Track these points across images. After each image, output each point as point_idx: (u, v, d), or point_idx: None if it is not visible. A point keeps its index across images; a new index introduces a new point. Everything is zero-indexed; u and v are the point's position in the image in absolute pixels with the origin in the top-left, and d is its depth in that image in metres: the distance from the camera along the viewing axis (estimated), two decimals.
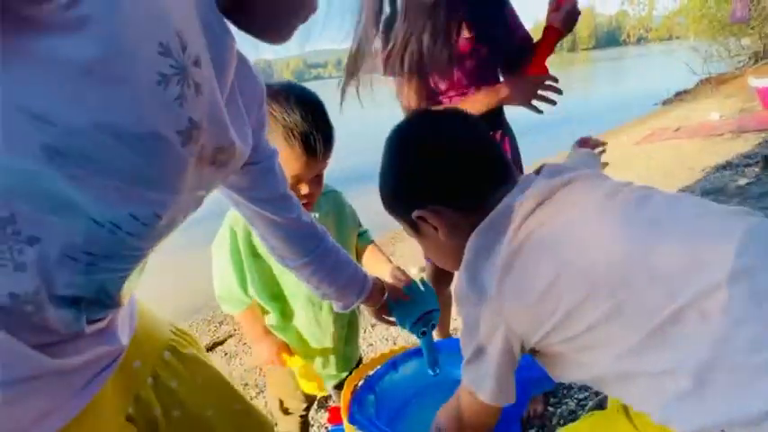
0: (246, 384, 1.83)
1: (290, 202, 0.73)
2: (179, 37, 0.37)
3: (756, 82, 4.55)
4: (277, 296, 1.05)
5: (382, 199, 0.73)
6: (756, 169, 2.82)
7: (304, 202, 0.90)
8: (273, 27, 0.52)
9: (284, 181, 0.72)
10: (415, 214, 0.64)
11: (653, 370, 0.46)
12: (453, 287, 0.64)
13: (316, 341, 1.09)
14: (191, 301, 2.98)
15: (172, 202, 0.44)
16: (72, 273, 0.39)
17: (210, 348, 2.23)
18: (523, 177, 0.64)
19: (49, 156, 0.34)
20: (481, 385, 0.59)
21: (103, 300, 0.45)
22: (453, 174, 0.64)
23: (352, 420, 0.88)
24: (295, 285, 1.01)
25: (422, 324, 0.93)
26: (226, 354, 2.15)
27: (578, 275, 0.50)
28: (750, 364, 0.41)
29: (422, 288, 0.97)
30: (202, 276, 3.68)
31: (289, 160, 0.83)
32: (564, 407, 1.26)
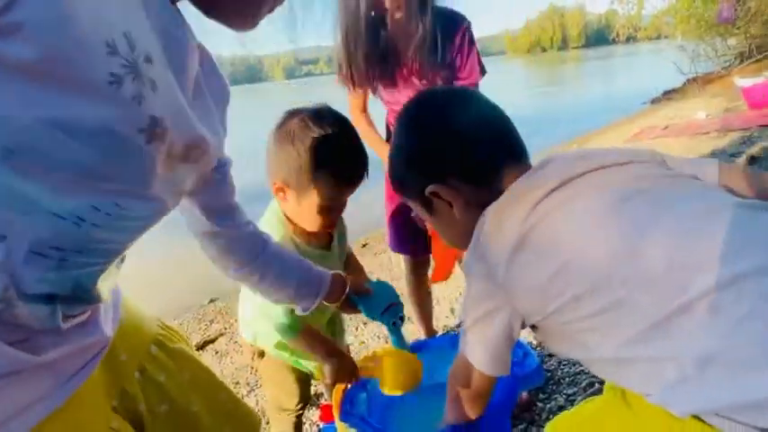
0: (238, 383, 1.82)
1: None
2: (126, 37, 0.38)
3: (742, 82, 4.63)
4: None
5: (393, 178, 0.75)
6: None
7: (331, 224, 0.97)
8: (241, 14, 0.53)
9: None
10: (429, 189, 0.65)
11: (656, 356, 0.47)
12: (463, 260, 0.65)
13: None
14: (180, 299, 2.97)
15: (141, 196, 0.45)
16: (43, 269, 0.40)
17: (201, 347, 2.22)
18: (544, 158, 0.64)
19: (3, 154, 0.35)
20: (476, 353, 0.60)
21: (80, 295, 0.45)
22: (469, 148, 0.65)
23: (344, 418, 0.88)
24: None
25: (389, 315, 0.97)
26: (217, 352, 2.14)
27: (590, 263, 0.51)
28: (754, 355, 0.42)
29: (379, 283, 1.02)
30: (192, 274, 3.65)
31: (333, 189, 0.89)
32: (553, 402, 1.28)
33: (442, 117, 0.67)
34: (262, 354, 1.11)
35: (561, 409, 1.25)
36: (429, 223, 0.78)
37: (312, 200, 0.89)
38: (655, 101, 7.53)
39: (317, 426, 1.43)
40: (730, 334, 0.43)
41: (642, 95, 7.93)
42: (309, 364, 1.12)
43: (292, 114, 0.91)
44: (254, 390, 1.75)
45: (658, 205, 0.52)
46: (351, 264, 1.18)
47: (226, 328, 2.40)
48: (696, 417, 0.46)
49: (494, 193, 0.62)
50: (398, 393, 0.91)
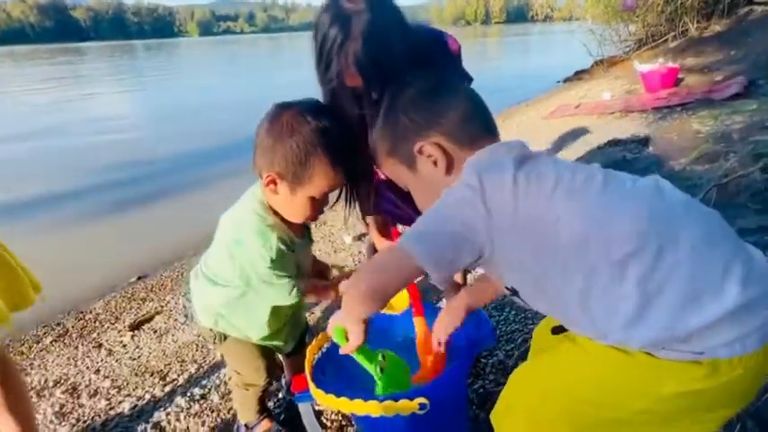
0: (183, 361, 1.77)
1: None
2: None
3: (640, 67, 5.17)
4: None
5: (378, 140, 0.81)
6: (640, 146, 3.28)
7: (316, 216, 1.01)
8: None
9: None
10: (417, 145, 0.73)
11: (611, 298, 0.60)
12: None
13: None
14: (104, 278, 2.74)
15: None
16: None
17: (137, 326, 2.10)
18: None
19: None
20: (422, 241, 0.66)
21: None
22: (455, 108, 0.74)
23: (319, 385, 0.92)
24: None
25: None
26: (155, 331, 2.04)
27: (577, 226, 0.60)
28: (688, 293, 0.57)
29: None
30: (114, 251, 3.39)
31: (331, 179, 0.93)
32: (495, 358, 1.43)
33: (427, 85, 0.78)
34: (223, 337, 1.10)
35: (501, 363, 1.41)
36: (412, 188, 0.81)
37: (307, 191, 0.92)
38: (567, 80, 8.13)
39: (276, 397, 1.46)
40: (669, 276, 0.57)
41: (557, 74, 8.53)
42: (274, 341, 1.14)
43: (283, 107, 0.92)
44: (202, 366, 1.72)
45: (611, 187, 0.65)
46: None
47: (162, 306, 2.29)
48: (644, 350, 0.60)
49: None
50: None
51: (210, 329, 1.10)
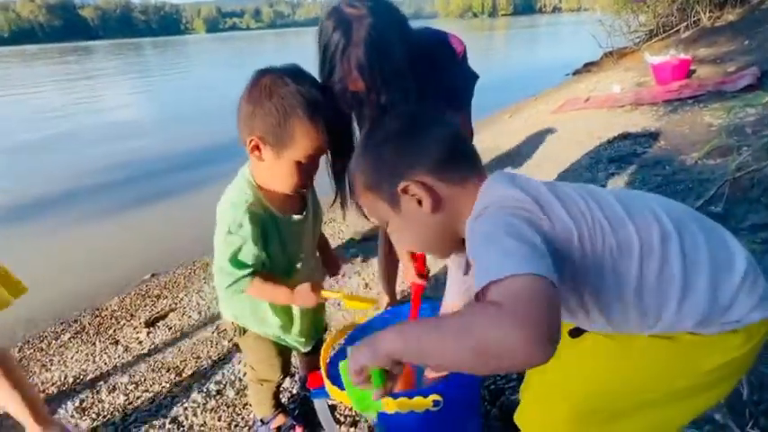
0: (199, 357, 1.81)
1: None
2: None
3: (651, 59, 5.10)
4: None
5: (359, 180, 0.75)
6: (650, 140, 3.24)
7: (308, 183, 0.99)
8: None
9: None
10: (401, 186, 0.68)
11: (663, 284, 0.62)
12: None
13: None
14: (118, 275, 2.79)
15: None
16: None
17: (152, 323, 2.14)
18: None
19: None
20: (526, 263, 0.50)
21: None
22: (439, 145, 0.70)
23: (334, 382, 0.94)
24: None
25: None
26: (170, 328, 2.08)
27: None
28: (715, 264, 0.62)
29: None
30: (127, 249, 3.44)
31: (312, 139, 0.89)
32: None
33: (409, 123, 0.73)
34: (243, 331, 1.13)
35: None
36: (391, 225, 0.76)
37: (291, 153, 0.90)
38: (576, 72, 8.04)
39: (290, 392, 1.49)
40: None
41: (565, 67, 8.43)
42: (291, 340, 1.15)
43: (263, 73, 0.91)
44: (217, 363, 1.75)
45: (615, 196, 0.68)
46: (321, 241, 1.23)
47: (176, 303, 2.33)
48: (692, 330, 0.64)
49: (463, 189, 0.68)
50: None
51: (232, 322, 1.13)
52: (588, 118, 4.36)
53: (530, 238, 0.55)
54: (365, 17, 0.93)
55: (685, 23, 7.16)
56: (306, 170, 0.94)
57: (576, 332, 0.81)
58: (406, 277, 1.22)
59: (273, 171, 0.93)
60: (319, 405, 1.07)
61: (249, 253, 0.95)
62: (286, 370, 1.22)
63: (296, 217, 1.04)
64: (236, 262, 0.95)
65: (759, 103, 3.01)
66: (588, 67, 8.07)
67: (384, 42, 0.94)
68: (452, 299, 0.89)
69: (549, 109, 5.23)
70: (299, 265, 1.10)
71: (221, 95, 10.54)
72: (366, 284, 2.19)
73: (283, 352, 1.18)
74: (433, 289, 2.07)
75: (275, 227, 0.99)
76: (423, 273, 1.18)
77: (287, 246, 1.04)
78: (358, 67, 0.93)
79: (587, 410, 0.73)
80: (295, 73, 0.90)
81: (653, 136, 3.31)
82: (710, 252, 0.63)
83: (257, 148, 0.91)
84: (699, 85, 4.30)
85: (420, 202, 0.68)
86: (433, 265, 2.23)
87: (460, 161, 0.71)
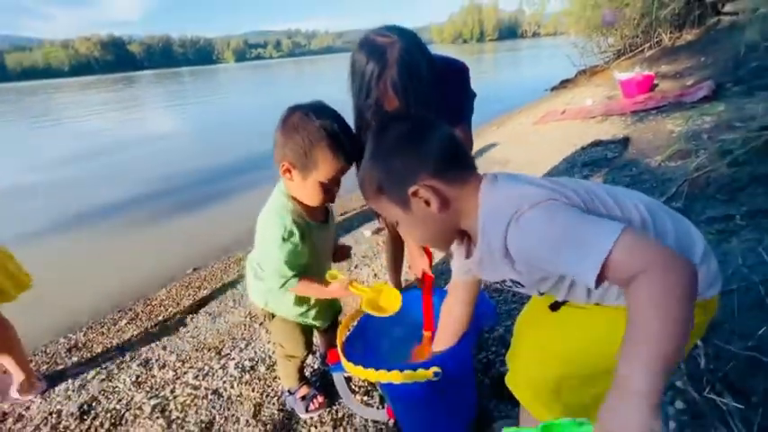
0: (234, 338, 1.83)
1: None
2: None
3: (619, 75, 5.05)
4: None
5: (370, 186, 0.73)
6: (619, 146, 3.21)
7: (332, 198, 1.01)
8: None
9: None
10: (411, 189, 0.66)
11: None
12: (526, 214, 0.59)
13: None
14: (165, 269, 2.83)
15: None
16: None
17: (195, 310, 2.17)
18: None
19: None
20: (610, 228, 0.51)
21: None
22: (441, 150, 0.68)
23: (349, 358, 0.96)
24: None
25: None
26: (210, 314, 2.11)
27: None
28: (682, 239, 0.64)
29: None
30: (169, 247, 3.48)
31: (332, 166, 0.93)
32: (496, 332, 1.45)
33: (414, 129, 0.70)
34: (272, 315, 1.15)
35: (502, 337, 1.42)
36: (401, 224, 0.74)
37: (315, 176, 0.94)
38: (554, 88, 7.98)
39: (312, 367, 1.51)
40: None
41: (545, 83, 8.38)
42: (310, 320, 1.17)
43: (294, 110, 0.94)
44: (250, 343, 1.77)
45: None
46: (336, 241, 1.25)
47: (214, 293, 2.35)
48: None
49: (467, 190, 0.67)
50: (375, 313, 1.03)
51: (263, 308, 1.16)
52: (565, 128, 4.33)
53: (584, 213, 0.57)
54: (396, 42, 0.94)
55: (649, 44, 7.08)
56: (328, 189, 0.98)
57: (555, 306, 0.82)
58: (415, 269, 1.23)
59: (301, 189, 0.98)
60: (337, 378, 1.08)
61: (299, 256, 1.00)
62: (309, 347, 1.24)
63: (322, 224, 1.09)
64: (292, 265, 1.00)
65: (714, 112, 2.98)
66: (564, 83, 8.01)
67: (414, 63, 0.94)
68: (457, 277, 0.89)
69: (530, 121, 5.20)
70: (322, 266, 1.13)
71: (250, 116, 10.63)
72: (375, 274, 2.20)
73: (305, 331, 1.20)
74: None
75: (309, 232, 1.03)
76: (431, 265, 1.20)
77: (315, 248, 1.08)
78: (393, 86, 0.93)
79: (563, 374, 0.74)
80: (319, 109, 0.93)
81: (621, 142, 3.28)
82: (676, 236, 0.64)
83: (288, 171, 0.95)
84: (661, 97, 4.26)
85: (428, 203, 0.67)
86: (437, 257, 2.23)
87: (459, 163, 0.70)
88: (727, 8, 6.27)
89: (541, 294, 0.73)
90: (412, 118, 0.77)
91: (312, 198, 0.99)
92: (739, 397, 0.92)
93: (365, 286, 1.05)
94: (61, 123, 12.49)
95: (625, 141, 3.28)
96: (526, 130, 4.77)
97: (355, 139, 0.96)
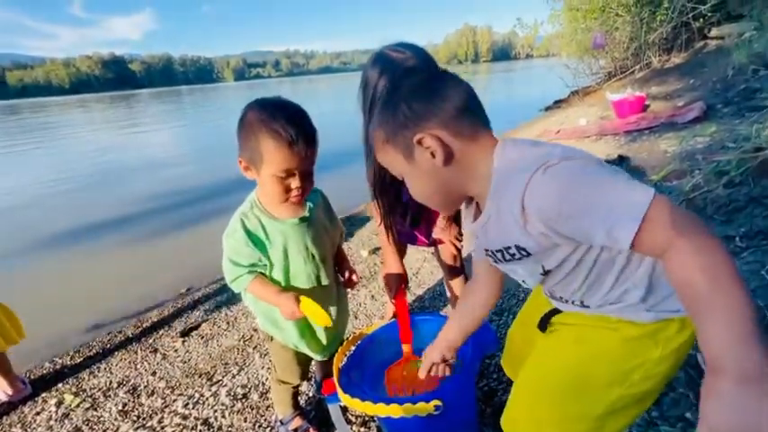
0: (227, 363, 1.77)
1: None
2: None
3: (611, 96, 5.15)
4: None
5: (378, 135, 0.69)
6: (614, 164, 3.24)
7: (296, 195, 0.94)
8: None
9: None
10: (417, 136, 0.63)
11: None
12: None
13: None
14: (158, 290, 2.77)
15: None
16: None
17: (187, 333, 2.11)
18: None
19: None
20: (644, 191, 0.49)
21: None
22: (453, 101, 0.63)
23: (345, 390, 0.91)
24: (298, 266, 1.04)
25: None
26: (202, 337, 2.05)
27: None
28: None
29: None
30: (163, 266, 3.42)
31: (277, 154, 0.88)
32: (497, 359, 1.41)
33: (429, 76, 0.67)
34: (270, 337, 1.11)
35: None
36: (406, 178, 0.70)
37: (266, 169, 0.90)
38: (548, 108, 8.13)
39: (307, 395, 1.45)
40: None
41: (538, 103, 8.54)
42: (309, 351, 1.13)
43: (248, 106, 0.93)
44: (243, 369, 1.71)
45: None
46: (339, 257, 1.20)
47: (207, 315, 2.29)
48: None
49: (475, 145, 0.63)
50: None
51: (263, 331, 1.12)
52: None
53: (618, 171, 0.53)
54: (410, 58, 0.94)
55: (639, 65, 7.26)
56: (284, 182, 0.91)
57: (543, 325, 0.79)
58: (388, 277, 1.19)
59: (261, 185, 0.97)
60: (333, 409, 1.04)
61: (243, 254, 0.98)
62: (304, 376, 1.19)
63: (295, 220, 1.01)
64: (233, 261, 0.98)
65: (706, 133, 3.02)
66: (558, 103, 8.16)
67: None
68: (479, 259, 0.81)
69: None
70: (322, 277, 1.07)
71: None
72: (372, 296, 2.16)
73: (303, 362, 1.16)
74: (431, 302, 2.04)
75: (277, 231, 0.99)
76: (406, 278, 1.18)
77: (287, 248, 1.01)
78: None
79: (560, 407, 0.70)
80: (271, 103, 0.91)
81: (616, 161, 3.30)
82: None
83: (247, 169, 0.94)
84: (654, 117, 4.33)
85: (433, 155, 0.63)
86: (427, 281, 2.20)
87: (473, 117, 0.65)
88: (714, 33, 6.47)
89: (543, 274, 0.67)
90: (431, 70, 0.73)
91: (271, 194, 0.94)
92: None
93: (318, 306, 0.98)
94: (54, 140, 12.50)
95: (620, 160, 3.30)
96: None
97: (305, 126, 0.90)
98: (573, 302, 0.71)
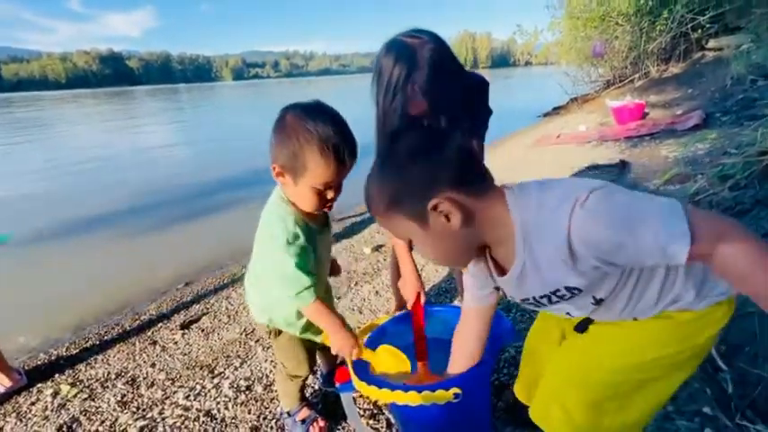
0: (229, 356, 1.74)
1: None
2: None
3: (611, 103, 5.21)
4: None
5: (381, 199, 0.65)
6: (617, 169, 3.26)
7: (330, 204, 0.93)
8: None
9: None
10: (432, 203, 0.60)
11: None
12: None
13: None
14: (155, 284, 2.73)
15: None
16: None
17: (187, 326, 2.07)
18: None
19: None
20: (679, 213, 0.53)
21: None
22: (458, 161, 0.62)
23: (361, 377, 0.89)
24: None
25: None
26: (203, 330, 2.01)
27: None
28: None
29: None
30: (161, 260, 3.38)
31: (323, 169, 0.86)
32: (507, 354, 1.39)
33: (431, 137, 0.64)
34: (277, 333, 1.08)
35: (514, 358, 1.37)
36: (416, 241, 0.67)
37: (306, 181, 0.88)
38: (547, 114, 8.19)
39: (312, 388, 1.42)
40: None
41: (537, 110, 8.60)
42: (316, 334, 1.11)
43: (287, 109, 0.90)
44: (245, 362, 1.68)
45: None
46: None
47: (207, 308, 2.26)
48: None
49: (487, 201, 0.62)
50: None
51: (267, 326, 1.08)
52: (561, 152, 4.40)
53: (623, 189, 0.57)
54: (427, 43, 0.90)
55: (638, 74, 7.34)
56: (323, 194, 0.91)
57: (582, 327, 0.78)
58: (409, 292, 1.15)
59: (295, 193, 0.92)
60: (345, 398, 1.01)
61: (308, 260, 0.93)
62: (312, 366, 1.16)
63: (323, 229, 1.02)
64: (302, 268, 0.91)
65: (707, 140, 3.05)
66: (557, 110, 8.22)
67: (445, 65, 0.90)
68: (471, 305, 0.81)
69: (526, 144, 5.29)
70: (322, 275, 1.07)
71: (244, 132, 10.65)
72: (376, 292, 2.14)
73: (310, 350, 1.13)
74: (442, 296, 2.02)
75: (312, 237, 0.97)
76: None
77: (318, 254, 1.00)
78: (422, 87, 0.88)
79: (600, 398, 0.69)
80: (314, 109, 0.88)
81: (618, 166, 3.33)
82: None
83: (281, 174, 0.91)
84: (653, 124, 4.37)
85: (448, 218, 0.61)
86: (437, 275, 2.19)
87: (478, 174, 0.64)
88: (711, 44, 6.57)
89: (595, 304, 0.66)
90: (424, 128, 0.72)
91: (306, 203, 0.92)
92: None
93: (370, 350, 1.00)
94: (49, 135, 12.35)
95: (622, 165, 3.32)
96: (523, 153, 4.84)
97: (351, 140, 0.89)
98: (620, 319, 0.69)
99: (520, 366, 1.01)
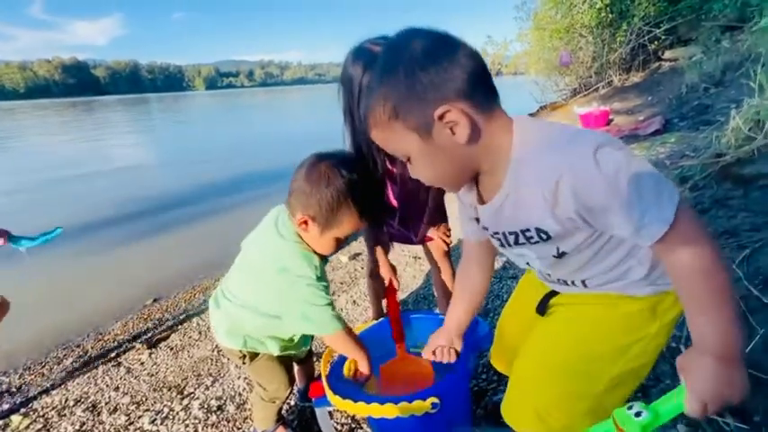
0: (200, 375, 1.65)
1: None
2: None
3: (578, 110, 5.42)
4: None
5: (382, 109, 0.58)
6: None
7: (338, 250, 0.96)
8: None
9: None
10: (440, 110, 0.54)
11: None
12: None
13: None
14: (120, 300, 2.58)
15: None
16: None
17: (154, 345, 1.96)
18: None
19: None
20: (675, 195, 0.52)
21: None
22: (470, 70, 0.55)
23: (336, 391, 0.86)
24: None
25: None
26: (171, 349, 1.91)
27: None
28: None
29: None
30: (126, 276, 3.22)
31: (356, 225, 0.90)
32: (485, 359, 1.38)
33: (444, 40, 0.57)
34: (253, 356, 1.02)
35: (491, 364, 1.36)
36: (414, 157, 0.60)
37: (334, 233, 0.89)
38: None
39: (288, 404, 1.36)
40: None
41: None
42: (294, 349, 1.06)
43: (321, 158, 0.88)
44: (217, 380, 1.60)
45: None
46: None
47: (176, 325, 2.15)
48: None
49: (493, 120, 0.57)
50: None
51: (240, 350, 1.02)
52: None
53: (648, 165, 0.53)
54: None
55: (602, 83, 7.69)
56: (342, 242, 0.94)
57: (542, 309, 0.78)
58: (383, 274, 1.19)
59: (315, 239, 0.92)
60: (321, 413, 0.97)
61: (329, 293, 0.93)
62: (291, 384, 1.11)
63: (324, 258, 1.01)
64: (331, 303, 0.91)
65: (668, 143, 3.21)
66: None
67: None
68: (471, 237, 0.79)
69: None
70: None
71: (216, 142, 10.41)
72: (354, 301, 2.10)
73: (288, 367, 1.09)
74: (422, 303, 2.01)
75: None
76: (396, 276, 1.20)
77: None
78: None
79: (573, 392, 0.68)
80: (348, 163, 0.87)
81: None
82: None
83: (305, 223, 0.89)
84: (618, 130, 4.57)
85: (453, 131, 0.55)
86: (412, 280, 2.17)
87: (489, 89, 0.58)
88: (667, 55, 6.98)
89: (557, 257, 0.64)
90: (433, 32, 0.60)
91: (324, 249, 0.93)
92: (741, 417, 0.90)
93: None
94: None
95: None
96: None
97: (378, 195, 0.94)
98: (573, 283, 0.70)
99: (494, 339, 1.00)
